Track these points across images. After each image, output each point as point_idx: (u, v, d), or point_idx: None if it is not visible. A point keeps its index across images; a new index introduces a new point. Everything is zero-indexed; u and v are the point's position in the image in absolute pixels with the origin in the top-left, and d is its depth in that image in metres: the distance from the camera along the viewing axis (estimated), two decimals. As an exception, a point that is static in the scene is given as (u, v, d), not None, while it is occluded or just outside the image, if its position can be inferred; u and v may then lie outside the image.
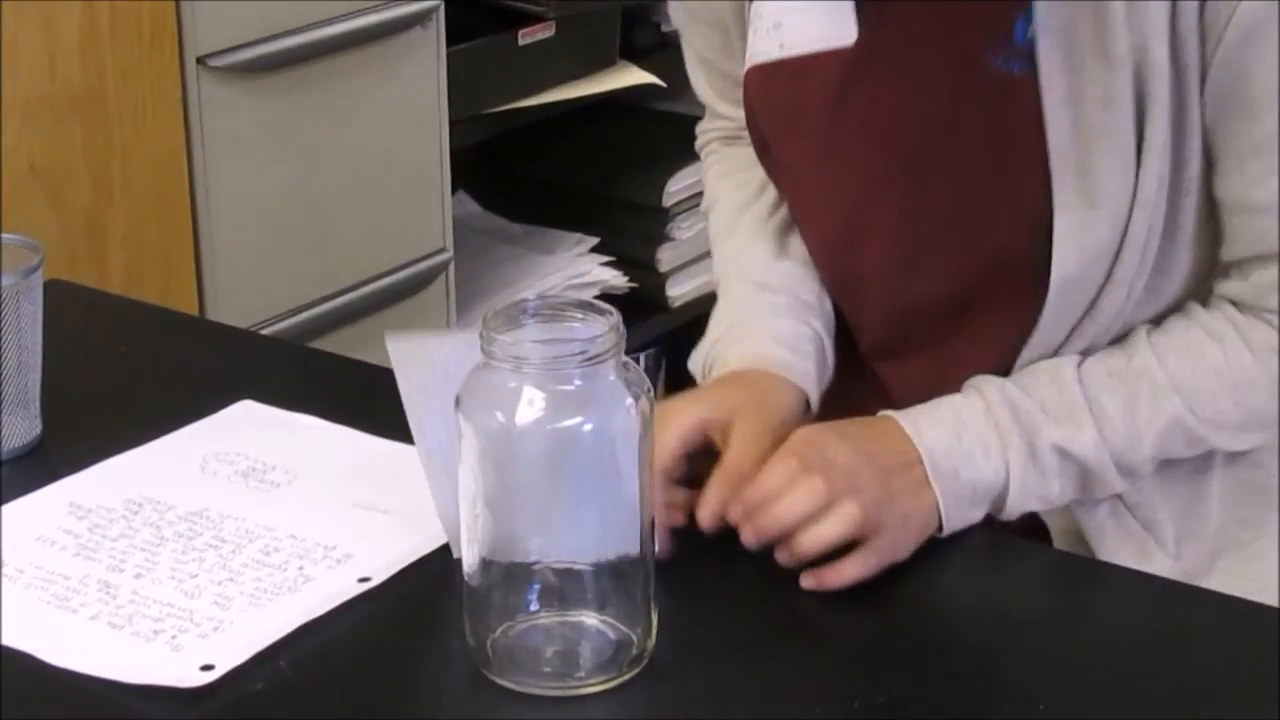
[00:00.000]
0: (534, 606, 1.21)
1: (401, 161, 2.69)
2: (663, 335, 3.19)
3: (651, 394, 1.19)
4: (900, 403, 1.40)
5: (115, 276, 2.33)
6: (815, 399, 1.45)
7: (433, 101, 2.70)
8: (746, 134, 1.56)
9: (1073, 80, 1.34)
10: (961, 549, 1.36)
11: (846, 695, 1.21)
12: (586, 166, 3.23)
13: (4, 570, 1.32)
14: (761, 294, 1.51)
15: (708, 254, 3.14)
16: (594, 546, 1.19)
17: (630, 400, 1.17)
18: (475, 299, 2.90)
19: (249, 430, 1.50)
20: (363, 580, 1.30)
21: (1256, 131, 1.35)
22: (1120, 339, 1.43)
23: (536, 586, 1.21)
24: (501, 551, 1.19)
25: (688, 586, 1.30)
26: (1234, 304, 1.42)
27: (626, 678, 1.21)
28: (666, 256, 3.15)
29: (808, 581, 1.29)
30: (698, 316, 3.08)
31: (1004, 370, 1.43)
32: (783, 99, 1.48)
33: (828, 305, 1.53)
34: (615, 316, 1.18)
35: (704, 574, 1.32)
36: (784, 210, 1.57)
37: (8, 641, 1.24)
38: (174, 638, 1.24)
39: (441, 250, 2.78)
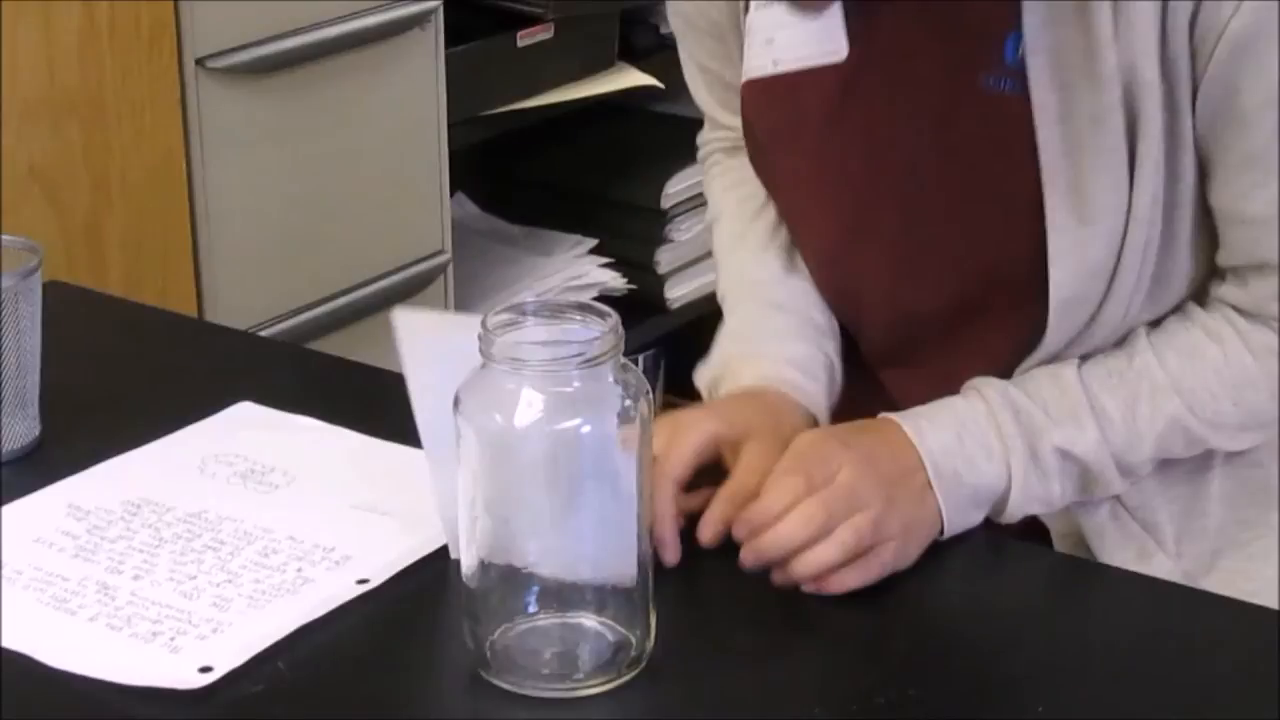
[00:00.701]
0: (533, 608, 1.21)
1: (400, 163, 2.69)
2: (661, 337, 3.20)
3: (650, 396, 1.19)
4: (904, 406, 1.40)
5: (114, 278, 2.33)
6: (824, 423, 1.45)
7: (431, 103, 2.70)
8: None
9: (1063, 99, 1.34)
10: (961, 551, 1.36)
11: (845, 697, 1.21)
12: (585, 168, 3.23)
13: (3, 572, 1.31)
14: (775, 314, 1.51)
15: (706, 256, 3.18)
16: (592, 549, 1.19)
17: (629, 402, 1.17)
18: (474, 301, 2.90)
19: (248, 432, 1.50)
20: (361, 582, 1.30)
21: (1247, 145, 1.35)
22: (1121, 340, 1.43)
23: (535, 588, 1.21)
24: (500, 553, 1.19)
25: (687, 588, 1.30)
26: (1233, 308, 1.42)
27: (625, 679, 1.20)
28: (665, 258, 3.15)
29: (808, 586, 1.29)
30: (696, 318, 3.11)
31: (1007, 376, 1.43)
32: (778, 113, 1.48)
33: (836, 326, 1.54)
34: (614, 318, 1.18)
35: (703, 576, 1.32)
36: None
37: (6, 643, 1.24)
38: (172, 639, 1.24)
39: (440, 252, 2.78)
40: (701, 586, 1.32)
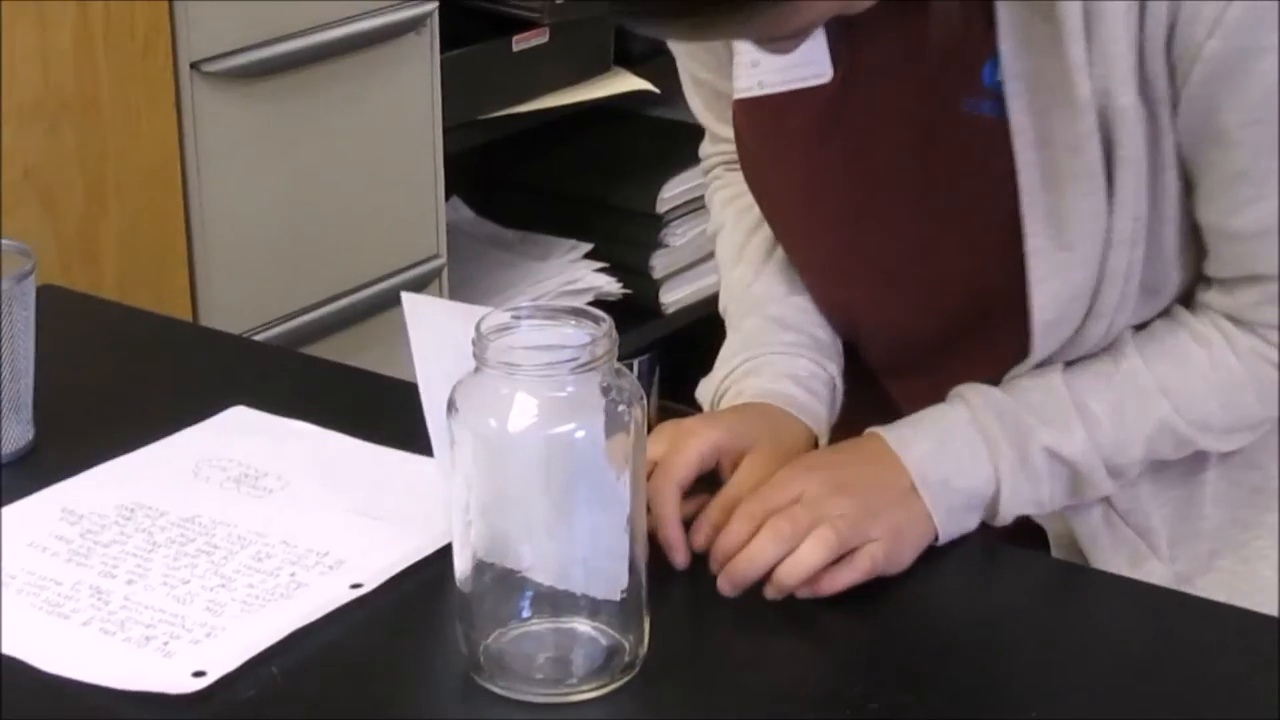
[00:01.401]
0: (526, 613, 1.21)
1: (395, 167, 2.69)
2: (656, 341, 3.20)
3: (644, 400, 1.19)
4: (907, 414, 1.41)
5: (109, 282, 2.33)
6: (824, 440, 1.46)
7: (427, 107, 2.70)
8: None
9: (1040, 124, 1.34)
10: (955, 556, 1.36)
11: (840, 701, 1.21)
12: (580, 173, 3.23)
13: (0, 577, 1.32)
14: (779, 331, 1.52)
15: (702, 260, 3.19)
16: (585, 553, 1.19)
17: (623, 407, 1.17)
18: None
19: (242, 436, 1.50)
20: (355, 586, 1.30)
21: (1231, 162, 1.35)
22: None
23: (529, 593, 1.20)
24: (494, 557, 1.19)
25: (680, 593, 1.30)
26: (1220, 314, 1.42)
27: (618, 684, 1.20)
28: (660, 263, 3.15)
29: (802, 591, 1.29)
30: (691, 323, 3.12)
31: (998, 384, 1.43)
32: (767, 132, 1.49)
33: (839, 342, 1.54)
34: (608, 323, 1.18)
35: (697, 581, 1.32)
36: None
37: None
38: (166, 644, 1.24)
39: (435, 256, 2.78)
40: (696, 592, 1.32)
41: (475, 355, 1.17)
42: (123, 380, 1.63)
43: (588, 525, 1.19)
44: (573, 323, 1.19)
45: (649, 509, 1.27)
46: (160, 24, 2.32)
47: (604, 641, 1.21)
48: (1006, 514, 1.39)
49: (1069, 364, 1.42)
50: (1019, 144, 1.35)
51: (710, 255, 3.11)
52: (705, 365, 1.55)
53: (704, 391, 1.53)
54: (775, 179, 1.51)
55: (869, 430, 1.39)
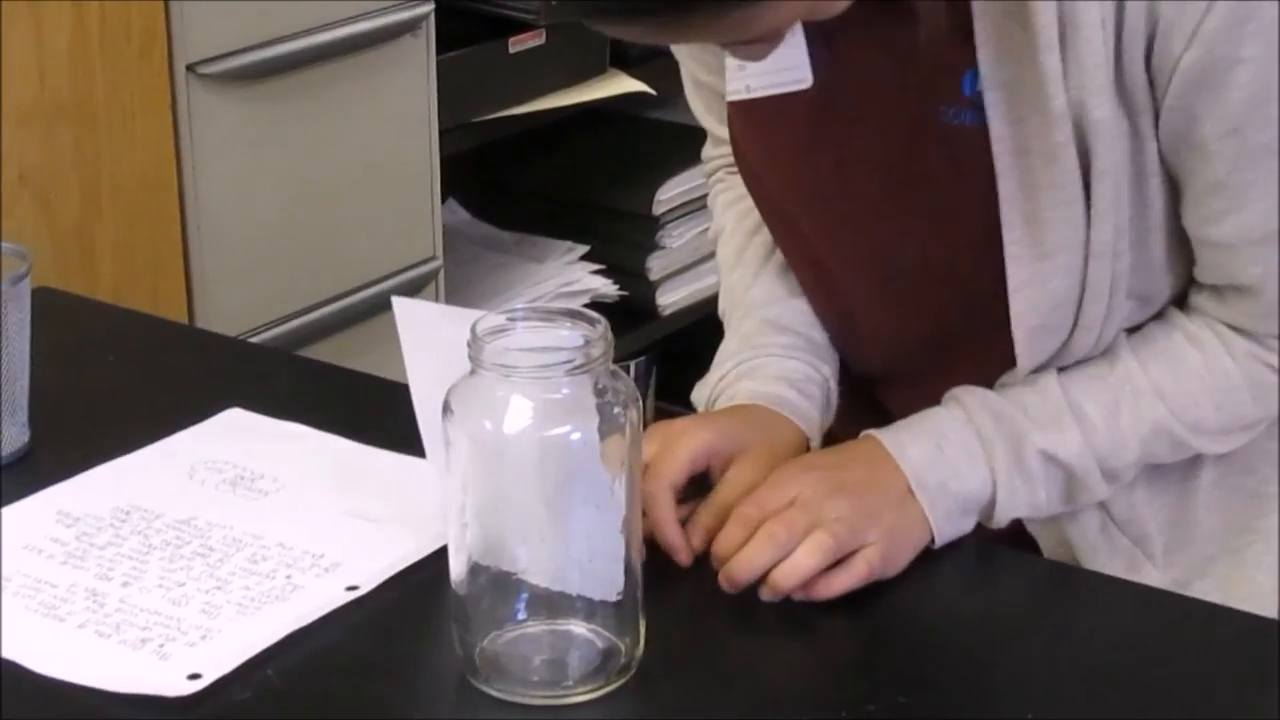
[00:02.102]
0: (522, 615, 1.21)
1: (392, 169, 2.69)
2: (653, 343, 3.20)
3: (640, 402, 1.19)
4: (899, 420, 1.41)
5: (104, 284, 2.33)
6: (816, 443, 1.46)
7: (423, 109, 2.70)
8: None
9: (1017, 133, 1.34)
10: (951, 558, 1.36)
11: (835, 704, 1.21)
12: (577, 175, 3.23)
13: (-8, 578, 1.32)
14: (774, 333, 1.52)
15: (698, 262, 3.19)
16: (581, 555, 1.19)
17: (619, 409, 1.17)
18: (465, 307, 2.90)
19: (238, 438, 1.50)
20: (351, 589, 1.30)
21: (1211, 172, 1.35)
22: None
23: (524, 595, 1.20)
24: (489, 559, 1.19)
25: (676, 595, 1.30)
26: (1214, 318, 1.42)
27: (614, 686, 1.20)
28: (657, 265, 3.15)
29: (796, 594, 1.29)
30: (688, 325, 3.12)
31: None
32: (760, 136, 1.49)
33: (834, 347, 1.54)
34: (603, 325, 1.18)
35: (692, 584, 1.32)
36: None
37: (-6, 650, 1.24)
38: (161, 646, 1.24)
39: (431, 258, 2.78)
40: (692, 594, 1.32)
41: (471, 357, 1.17)
42: (118, 383, 1.62)
43: (583, 527, 1.19)
44: (568, 324, 1.19)
45: (644, 511, 1.28)
46: (156, 26, 2.32)
47: (600, 644, 1.21)
48: (1002, 517, 1.39)
49: (1062, 368, 1.42)
50: (998, 152, 1.35)
51: (707, 257, 3.13)
52: (702, 367, 1.55)
53: (699, 394, 1.53)
54: (769, 183, 1.51)
55: (865, 433, 1.40)
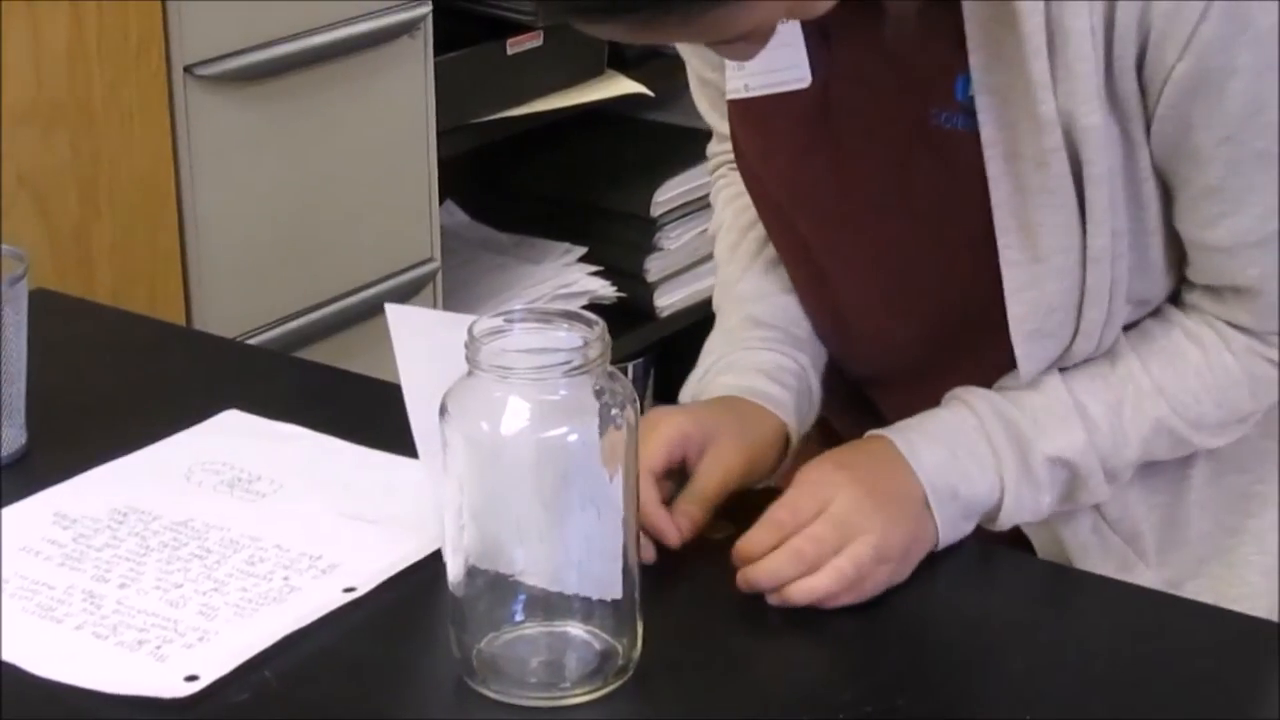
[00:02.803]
0: (519, 617, 1.21)
1: (389, 171, 2.69)
2: (651, 345, 3.19)
3: (637, 404, 1.19)
4: (891, 423, 1.41)
5: (102, 286, 2.32)
6: (794, 428, 1.46)
7: (421, 111, 2.70)
8: None
9: (1008, 138, 1.35)
10: (949, 560, 1.36)
11: (831, 706, 1.21)
12: (574, 176, 3.23)
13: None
14: (751, 328, 1.52)
15: (696, 264, 3.19)
16: (579, 556, 1.19)
17: (616, 410, 1.17)
18: (463, 308, 2.90)
19: (235, 440, 1.50)
20: (348, 590, 1.30)
21: (1205, 178, 1.35)
22: None
23: (522, 597, 1.20)
24: (487, 561, 1.19)
25: (673, 597, 1.30)
26: (1213, 315, 1.42)
27: (612, 688, 1.20)
28: (655, 266, 3.15)
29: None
30: (686, 327, 3.11)
31: None
32: (758, 134, 1.49)
33: (819, 341, 1.54)
34: (601, 326, 1.18)
35: (690, 585, 1.32)
36: None
37: (-9, 652, 1.24)
38: (159, 648, 1.24)
39: (429, 260, 2.78)
40: (688, 596, 1.32)
41: (468, 359, 1.16)
42: (116, 384, 1.62)
43: (581, 529, 1.19)
44: (565, 326, 1.19)
45: None
46: (154, 27, 2.32)
47: (597, 645, 1.21)
48: (1005, 522, 1.39)
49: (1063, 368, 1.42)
50: (989, 156, 1.35)
51: (705, 258, 3.12)
52: (700, 369, 1.56)
53: (685, 392, 1.54)
54: (767, 181, 1.51)
55: (874, 432, 1.39)
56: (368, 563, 1.33)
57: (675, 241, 3.15)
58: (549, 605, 1.21)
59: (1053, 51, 1.31)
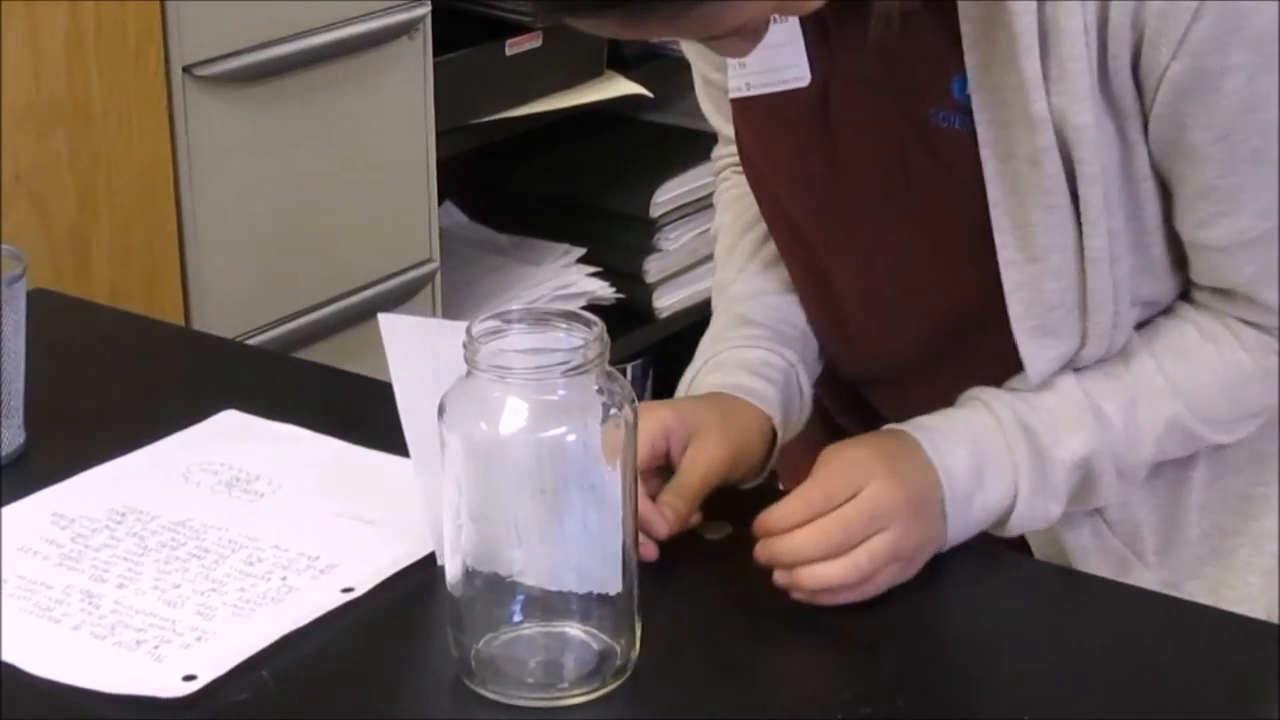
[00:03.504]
0: (517, 617, 1.21)
1: (388, 171, 2.69)
2: (649, 346, 3.19)
3: (635, 404, 1.19)
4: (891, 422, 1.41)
5: (100, 286, 2.32)
6: (780, 422, 1.46)
7: (420, 111, 2.70)
8: None
9: (1002, 138, 1.35)
10: (948, 560, 1.36)
11: (831, 707, 1.20)
12: (574, 177, 3.23)
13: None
14: (741, 327, 1.52)
15: (695, 265, 3.19)
16: (577, 557, 1.19)
17: (614, 410, 1.17)
18: (462, 309, 2.90)
19: (233, 440, 1.50)
20: (346, 590, 1.30)
21: (1201, 178, 1.35)
22: None
23: (520, 597, 1.20)
24: (485, 561, 1.19)
25: (671, 597, 1.30)
26: (1224, 312, 1.42)
27: (610, 689, 1.20)
28: (654, 267, 3.15)
29: (800, 595, 1.29)
30: (685, 328, 3.11)
31: None
32: (760, 134, 1.50)
33: (812, 340, 1.54)
34: (599, 326, 1.18)
35: (688, 585, 1.32)
36: None
37: (-11, 652, 1.24)
38: (157, 648, 1.24)
39: (428, 260, 2.78)
40: (687, 596, 1.32)
41: (466, 359, 1.16)
42: (114, 384, 1.62)
43: (579, 529, 1.18)
44: (564, 326, 1.19)
45: None
46: (152, 27, 2.32)
47: (595, 645, 1.21)
48: (1012, 531, 1.39)
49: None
50: (985, 156, 1.35)
51: (704, 259, 3.13)
52: (699, 370, 1.56)
53: (678, 394, 1.54)
54: (769, 180, 1.51)
55: (892, 426, 1.39)
56: (366, 563, 1.33)
57: (674, 242, 3.15)
58: (547, 606, 1.20)
59: (1046, 51, 1.31)
